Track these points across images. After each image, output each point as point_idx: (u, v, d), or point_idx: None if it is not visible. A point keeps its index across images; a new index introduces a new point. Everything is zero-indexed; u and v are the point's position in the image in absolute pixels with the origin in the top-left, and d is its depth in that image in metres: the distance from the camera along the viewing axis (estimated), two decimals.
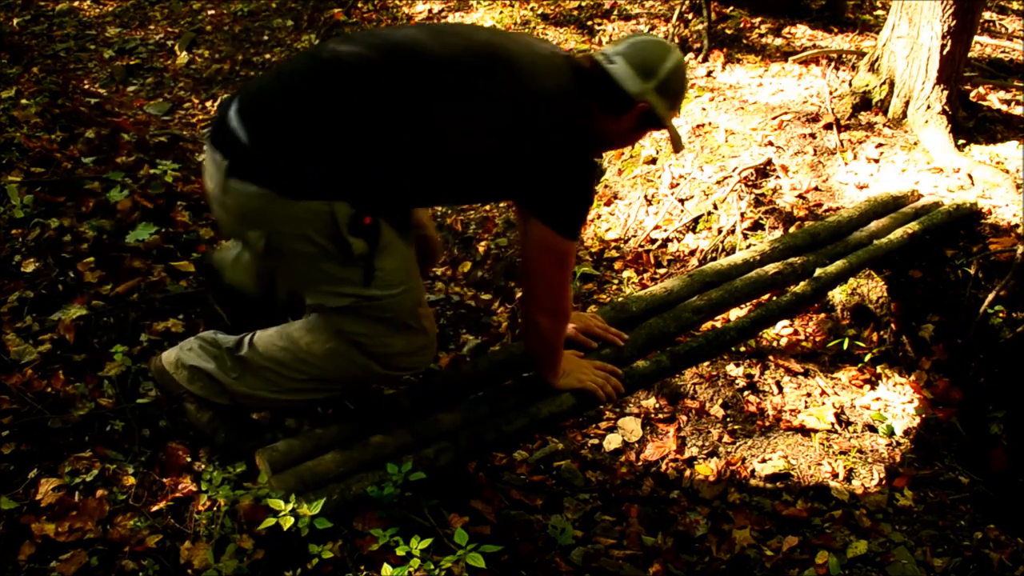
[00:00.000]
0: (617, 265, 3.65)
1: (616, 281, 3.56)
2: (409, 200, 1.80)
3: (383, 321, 1.78)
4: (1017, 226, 3.17)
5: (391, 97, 1.64)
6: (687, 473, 2.66)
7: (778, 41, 5.11)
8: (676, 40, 5.13)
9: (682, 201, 3.82)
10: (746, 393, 2.98)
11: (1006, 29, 5.60)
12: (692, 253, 3.61)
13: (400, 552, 1.62)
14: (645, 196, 3.93)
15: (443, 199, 1.99)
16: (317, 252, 1.66)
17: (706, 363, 3.00)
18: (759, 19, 5.37)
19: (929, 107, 3.79)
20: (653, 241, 3.73)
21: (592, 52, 1.87)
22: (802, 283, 2.70)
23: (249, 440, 1.89)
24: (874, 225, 3.07)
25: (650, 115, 1.85)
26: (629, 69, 1.80)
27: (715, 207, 3.67)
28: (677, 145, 1.95)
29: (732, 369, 3.06)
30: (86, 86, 5.26)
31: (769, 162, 3.78)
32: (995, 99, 4.21)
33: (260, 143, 1.61)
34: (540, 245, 1.80)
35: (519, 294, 3.43)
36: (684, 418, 2.88)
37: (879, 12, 5.62)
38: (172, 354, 1.91)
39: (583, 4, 5.86)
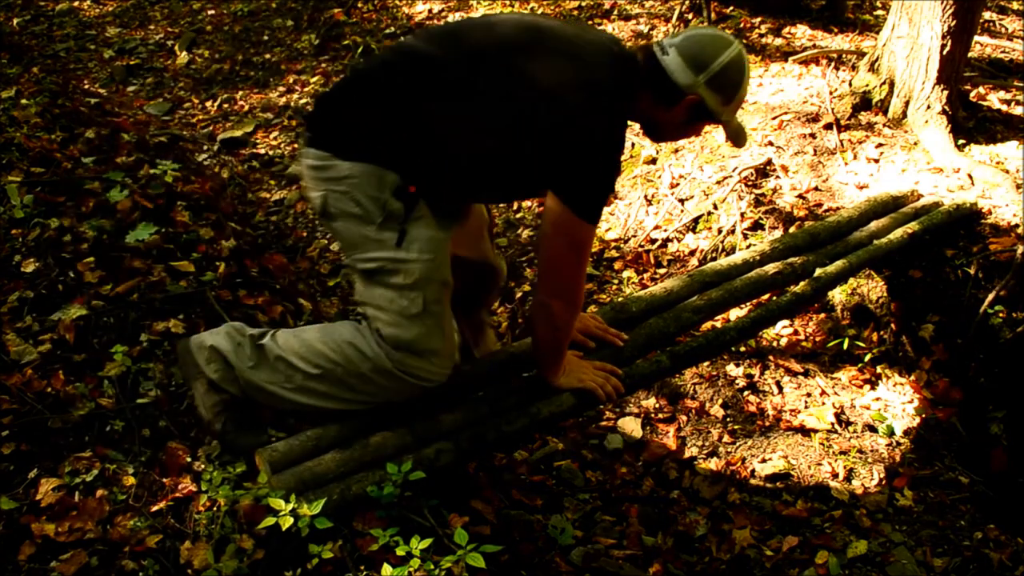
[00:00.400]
0: (617, 265, 3.65)
1: (616, 281, 3.56)
2: (441, 191, 1.82)
3: (404, 291, 1.78)
4: (1017, 226, 3.17)
5: (389, 98, 1.76)
6: (687, 473, 2.67)
7: (778, 41, 5.11)
8: None
9: (682, 201, 3.82)
10: (746, 393, 2.98)
11: (1006, 29, 5.60)
12: (692, 253, 3.61)
13: (400, 552, 1.62)
14: (645, 196, 3.93)
15: (464, 196, 1.98)
16: (360, 214, 1.76)
17: (706, 363, 3.00)
18: (759, 19, 5.37)
19: (929, 107, 3.79)
20: (653, 241, 3.73)
21: (651, 42, 1.86)
22: (802, 283, 2.70)
23: (248, 435, 1.89)
24: (874, 225, 3.07)
25: (702, 108, 1.82)
26: (681, 61, 1.78)
27: (715, 207, 3.67)
28: (736, 140, 1.92)
29: (732, 369, 3.06)
30: (86, 86, 5.26)
31: (769, 162, 3.79)
32: (995, 99, 4.21)
33: (325, 118, 1.83)
34: (554, 222, 1.79)
35: (519, 294, 3.44)
36: (684, 418, 2.89)
37: (879, 12, 5.62)
38: (202, 336, 1.94)
39: (583, 4, 5.86)
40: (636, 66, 1.82)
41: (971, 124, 3.94)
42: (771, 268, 2.68)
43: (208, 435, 1.92)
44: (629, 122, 1.87)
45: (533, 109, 1.72)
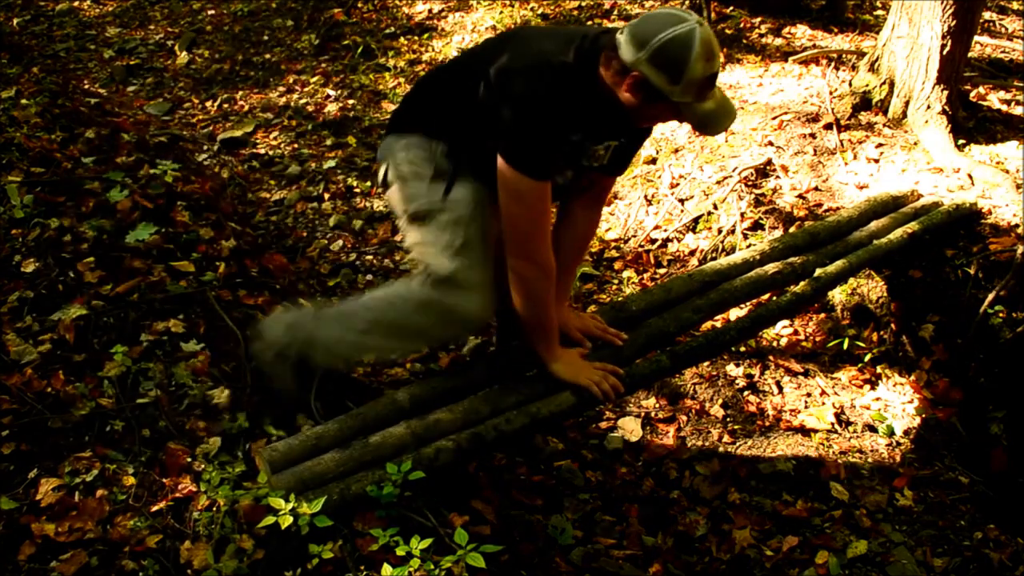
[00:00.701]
0: (617, 265, 3.65)
1: (616, 281, 3.56)
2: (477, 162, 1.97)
3: (448, 227, 1.97)
4: (1017, 226, 3.17)
5: (423, 90, 2.12)
6: (687, 473, 2.67)
7: (778, 41, 5.11)
8: None
9: (682, 201, 3.82)
10: (746, 393, 2.98)
11: (1006, 29, 5.60)
12: (692, 253, 3.61)
13: (400, 552, 1.62)
14: (645, 196, 3.93)
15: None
16: (414, 172, 2.01)
17: (706, 363, 3.00)
18: (759, 19, 5.37)
19: (929, 107, 3.79)
20: (653, 241, 3.73)
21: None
22: (802, 283, 2.70)
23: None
24: (874, 225, 3.07)
25: (647, 87, 1.77)
26: (627, 39, 1.78)
27: (715, 207, 3.67)
28: (703, 128, 1.85)
29: (732, 369, 3.06)
30: (86, 86, 5.26)
31: (769, 162, 3.78)
32: (995, 99, 4.21)
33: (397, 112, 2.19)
34: (501, 181, 1.86)
35: None
36: (684, 418, 2.89)
37: (879, 12, 5.62)
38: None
39: (583, 4, 5.86)
40: (598, 51, 1.84)
41: (971, 124, 3.94)
42: (771, 268, 2.68)
43: (268, 381, 2.13)
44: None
45: (500, 89, 1.85)
